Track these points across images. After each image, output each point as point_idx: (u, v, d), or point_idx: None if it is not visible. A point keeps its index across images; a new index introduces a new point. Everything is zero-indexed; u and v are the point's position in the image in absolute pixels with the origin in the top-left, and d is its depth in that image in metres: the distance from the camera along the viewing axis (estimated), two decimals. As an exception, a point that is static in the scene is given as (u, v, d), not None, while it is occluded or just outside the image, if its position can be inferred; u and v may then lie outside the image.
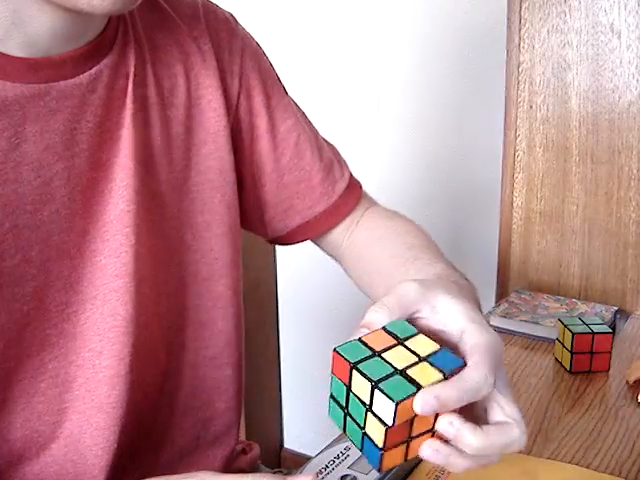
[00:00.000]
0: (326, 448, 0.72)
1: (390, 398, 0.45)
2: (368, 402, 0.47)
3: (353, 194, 0.83)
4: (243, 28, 0.78)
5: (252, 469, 0.85)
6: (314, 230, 0.82)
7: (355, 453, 0.70)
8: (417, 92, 1.51)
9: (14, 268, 0.58)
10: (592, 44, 1.15)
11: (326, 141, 0.85)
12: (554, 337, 1.01)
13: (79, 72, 0.60)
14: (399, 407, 0.45)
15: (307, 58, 1.61)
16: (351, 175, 0.85)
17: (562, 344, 0.97)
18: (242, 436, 0.83)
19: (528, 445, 0.78)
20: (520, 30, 1.20)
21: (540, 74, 1.20)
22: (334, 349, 0.49)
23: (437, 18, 1.44)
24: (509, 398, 0.50)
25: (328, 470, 0.68)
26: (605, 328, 0.96)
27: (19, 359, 0.60)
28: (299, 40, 1.60)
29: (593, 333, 0.94)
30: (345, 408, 0.49)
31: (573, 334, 0.94)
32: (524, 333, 1.08)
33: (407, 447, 0.48)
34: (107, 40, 0.63)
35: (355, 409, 0.48)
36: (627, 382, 0.92)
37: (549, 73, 1.19)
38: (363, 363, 0.48)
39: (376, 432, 0.46)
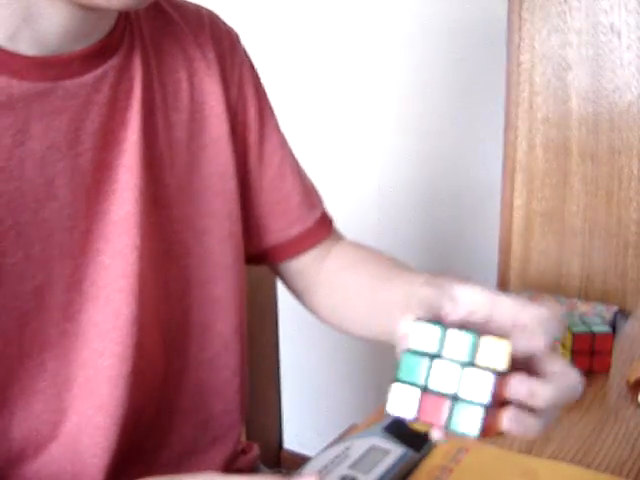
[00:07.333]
0: (326, 448, 0.72)
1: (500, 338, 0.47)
2: (468, 358, 0.48)
3: (327, 223, 0.84)
4: (243, 45, 0.79)
5: (252, 469, 0.85)
6: (284, 253, 0.81)
7: (355, 453, 0.70)
8: (417, 92, 1.51)
9: (15, 265, 0.58)
10: (592, 44, 1.15)
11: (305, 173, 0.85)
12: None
13: (85, 71, 0.61)
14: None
15: (307, 58, 1.61)
16: (325, 208, 0.85)
17: (562, 344, 0.97)
18: (242, 436, 0.83)
19: (528, 445, 0.78)
20: (520, 30, 1.20)
21: (540, 74, 1.20)
22: (414, 321, 0.50)
23: (437, 18, 1.44)
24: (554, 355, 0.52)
25: (328, 470, 0.67)
26: (605, 328, 0.96)
27: (19, 358, 0.60)
28: (299, 41, 1.60)
29: (593, 333, 0.94)
30: (424, 384, 0.49)
31: (573, 334, 0.94)
32: (524, 333, 1.07)
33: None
34: (114, 41, 0.63)
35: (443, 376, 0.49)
36: (627, 382, 0.92)
37: (549, 73, 1.19)
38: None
39: (480, 386, 0.47)
